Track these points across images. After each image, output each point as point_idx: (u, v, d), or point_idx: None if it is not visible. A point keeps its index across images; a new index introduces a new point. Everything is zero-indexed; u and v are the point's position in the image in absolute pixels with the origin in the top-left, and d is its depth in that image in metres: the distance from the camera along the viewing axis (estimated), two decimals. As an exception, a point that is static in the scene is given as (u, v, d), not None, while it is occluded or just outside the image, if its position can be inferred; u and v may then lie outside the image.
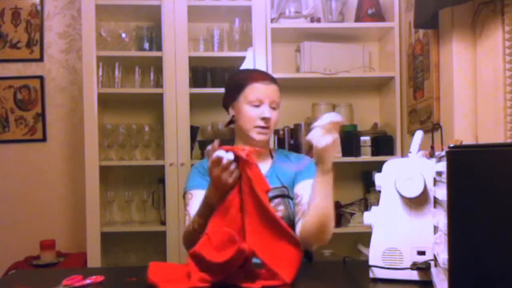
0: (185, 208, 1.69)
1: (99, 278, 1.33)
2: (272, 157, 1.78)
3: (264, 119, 1.63)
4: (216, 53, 2.71)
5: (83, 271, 1.42)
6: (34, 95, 2.93)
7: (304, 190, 1.62)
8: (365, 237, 1.41)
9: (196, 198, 1.62)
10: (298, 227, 1.59)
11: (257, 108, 1.64)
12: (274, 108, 1.66)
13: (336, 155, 1.38)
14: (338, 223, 2.71)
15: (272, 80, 1.71)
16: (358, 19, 2.80)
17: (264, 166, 1.72)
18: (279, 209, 1.64)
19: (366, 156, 2.69)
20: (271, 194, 1.65)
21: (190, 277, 1.25)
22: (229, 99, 1.73)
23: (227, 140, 2.65)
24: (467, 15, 1.99)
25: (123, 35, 2.73)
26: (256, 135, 1.65)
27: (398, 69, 2.69)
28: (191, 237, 1.50)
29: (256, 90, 1.65)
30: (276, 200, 1.66)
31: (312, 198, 1.51)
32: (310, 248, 1.66)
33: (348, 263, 1.48)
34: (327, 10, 2.80)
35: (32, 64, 2.94)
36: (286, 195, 1.68)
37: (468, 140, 1.94)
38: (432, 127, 2.13)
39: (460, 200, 0.94)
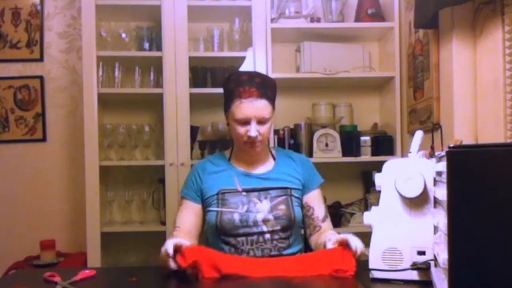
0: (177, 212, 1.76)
1: (92, 272, 1.35)
2: (274, 158, 1.80)
3: (250, 137, 1.63)
4: (216, 53, 2.71)
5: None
6: (34, 95, 2.93)
7: (314, 201, 1.73)
8: (365, 237, 1.41)
9: (186, 209, 1.72)
10: (312, 243, 1.70)
11: (244, 125, 1.63)
12: (263, 123, 1.64)
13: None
14: (338, 223, 2.71)
15: (260, 93, 1.63)
16: (358, 19, 2.80)
17: (266, 168, 1.76)
18: (279, 208, 1.66)
19: (366, 156, 2.69)
20: (273, 193, 1.68)
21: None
22: (224, 106, 1.73)
23: (227, 140, 2.66)
24: (467, 15, 1.99)
25: (123, 35, 2.73)
26: (246, 149, 1.69)
27: (398, 69, 2.69)
28: None
29: (242, 109, 1.61)
30: (278, 199, 1.67)
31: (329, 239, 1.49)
32: None
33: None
34: (327, 10, 2.80)
35: (32, 64, 2.94)
36: (289, 194, 1.70)
37: (468, 140, 1.94)
38: (432, 127, 2.13)
39: (460, 200, 0.94)
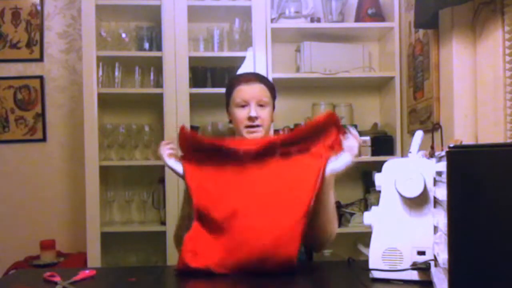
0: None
1: (92, 272, 1.35)
2: None
3: (250, 118, 1.66)
4: (216, 53, 2.71)
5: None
6: (34, 95, 2.93)
7: None
8: (365, 237, 1.41)
9: None
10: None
11: (244, 108, 1.67)
12: (262, 106, 1.67)
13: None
14: (338, 223, 2.70)
15: (259, 79, 1.72)
16: (358, 19, 2.80)
17: None
18: None
19: (366, 156, 2.69)
20: None
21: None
22: (226, 104, 1.78)
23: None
24: (467, 15, 1.99)
25: (123, 35, 2.73)
26: (247, 134, 1.68)
27: (398, 69, 2.69)
28: (177, 233, 1.64)
29: (241, 92, 1.68)
30: None
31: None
32: (315, 249, 1.73)
33: (349, 263, 1.48)
34: (327, 10, 2.80)
35: (32, 64, 2.94)
36: None
37: (468, 140, 1.94)
38: (432, 127, 2.13)
39: (460, 200, 0.94)
